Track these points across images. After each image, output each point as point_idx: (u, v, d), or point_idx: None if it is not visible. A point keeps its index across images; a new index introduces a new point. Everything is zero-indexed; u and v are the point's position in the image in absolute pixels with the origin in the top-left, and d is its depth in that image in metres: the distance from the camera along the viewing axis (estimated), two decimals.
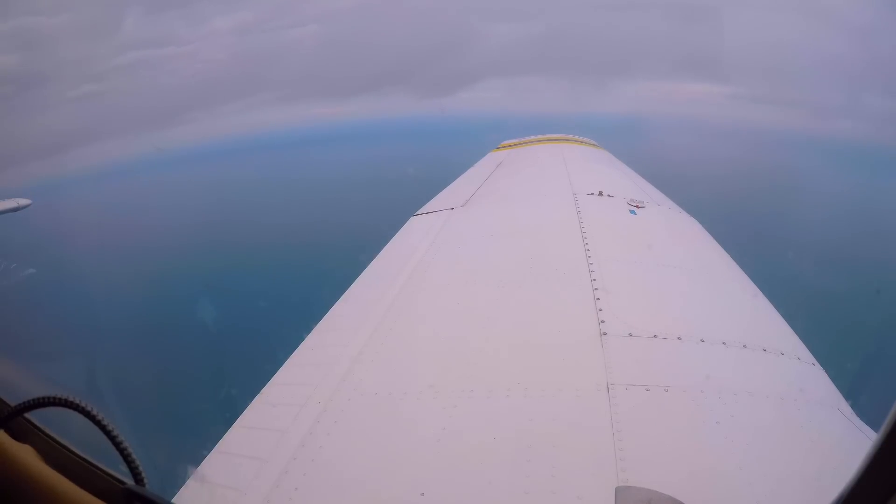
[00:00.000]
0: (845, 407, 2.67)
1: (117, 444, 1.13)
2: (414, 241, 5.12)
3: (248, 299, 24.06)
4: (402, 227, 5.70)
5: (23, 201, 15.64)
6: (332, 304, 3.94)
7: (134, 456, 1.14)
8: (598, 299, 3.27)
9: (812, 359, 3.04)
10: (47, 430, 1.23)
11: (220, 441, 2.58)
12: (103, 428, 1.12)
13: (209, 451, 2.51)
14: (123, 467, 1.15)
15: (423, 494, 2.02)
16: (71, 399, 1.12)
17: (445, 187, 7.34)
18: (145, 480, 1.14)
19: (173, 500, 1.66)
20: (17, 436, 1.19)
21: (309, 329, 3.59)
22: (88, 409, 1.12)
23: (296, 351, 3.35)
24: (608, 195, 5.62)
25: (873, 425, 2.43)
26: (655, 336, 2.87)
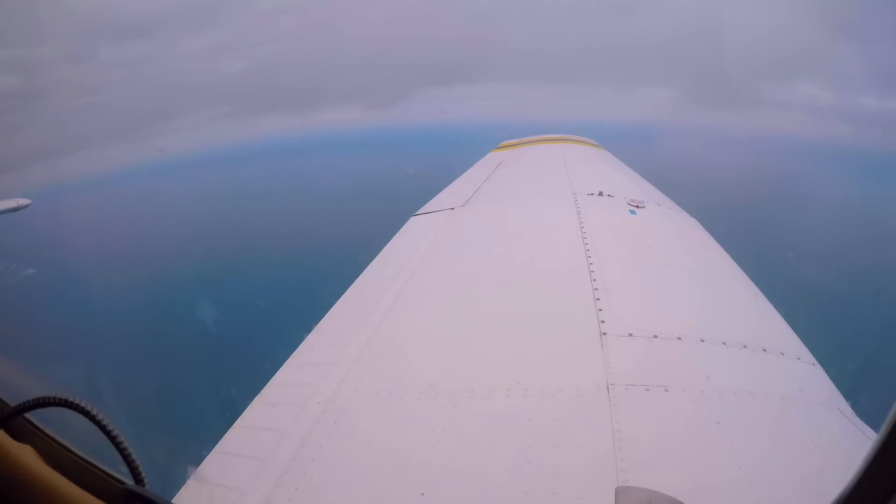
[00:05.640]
0: (845, 407, 2.67)
1: (117, 444, 1.12)
2: (414, 241, 5.12)
3: (248, 300, 24.08)
4: (402, 227, 5.70)
5: (23, 201, 15.64)
6: (332, 305, 3.94)
7: (134, 456, 1.13)
8: (598, 299, 3.27)
9: (812, 359, 3.04)
10: (47, 430, 1.23)
11: (220, 441, 2.58)
12: (103, 428, 1.11)
13: (209, 451, 2.51)
14: (123, 467, 1.15)
15: (423, 494, 2.02)
16: (71, 399, 1.12)
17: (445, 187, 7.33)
18: (145, 480, 1.14)
19: (173, 500, 1.66)
20: (17, 436, 1.19)
21: (309, 329, 3.59)
22: (88, 409, 1.11)
23: (296, 351, 3.35)
24: (608, 195, 5.61)
25: (873, 425, 2.43)
26: (655, 336, 2.87)
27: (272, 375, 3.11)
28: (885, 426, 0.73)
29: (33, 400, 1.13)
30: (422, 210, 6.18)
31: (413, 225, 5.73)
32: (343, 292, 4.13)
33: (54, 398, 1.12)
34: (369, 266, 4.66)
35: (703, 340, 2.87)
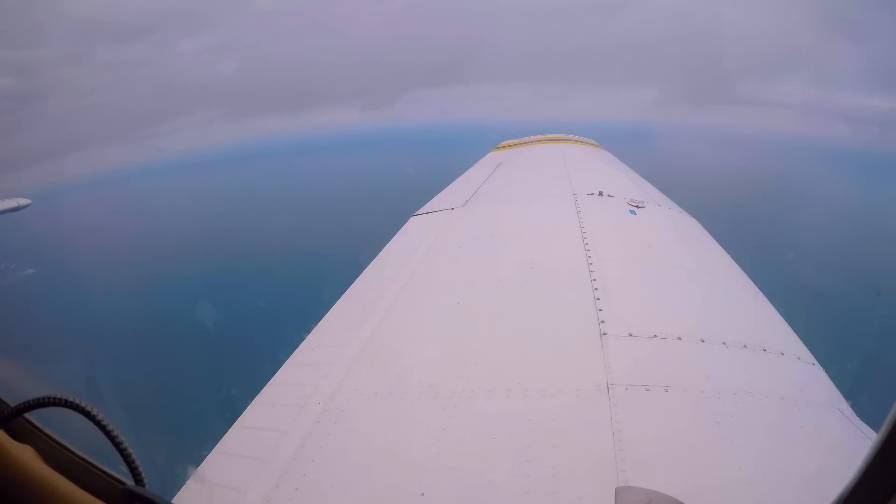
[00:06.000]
0: (845, 407, 2.67)
1: (117, 444, 1.12)
2: (414, 241, 5.12)
3: (248, 300, 24.07)
4: (402, 227, 5.70)
5: (23, 201, 15.65)
6: (332, 305, 3.94)
7: (134, 456, 1.13)
8: (598, 299, 3.27)
9: (812, 359, 3.04)
10: (47, 430, 1.23)
11: (220, 441, 2.58)
12: (103, 428, 1.12)
13: (209, 451, 2.51)
14: (123, 467, 1.15)
15: (423, 494, 2.02)
16: (71, 399, 1.12)
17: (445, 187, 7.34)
18: (145, 480, 1.14)
19: (173, 501, 1.66)
20: (17, 436, 1.19)
21: (309, 329, 3.59)
22: (88, 409, 1.12)
23: (296, 351, 3.35)
24: (608, 195, 5.62)
25: (873, 425, 2.43)
26: (655, 336, 2.87)
27: (272, 375, 3.11)
28: (885, 426, 0.72)
29: (33, 400, 1.13)
30: (422, 210, 6.18)
31: (413, 225, 5.73)
32: (343, 292, 4.13)
33: (54, 398, 1.12)
34: (369, 266, 4.67)
35: (703, 340, 2.86)
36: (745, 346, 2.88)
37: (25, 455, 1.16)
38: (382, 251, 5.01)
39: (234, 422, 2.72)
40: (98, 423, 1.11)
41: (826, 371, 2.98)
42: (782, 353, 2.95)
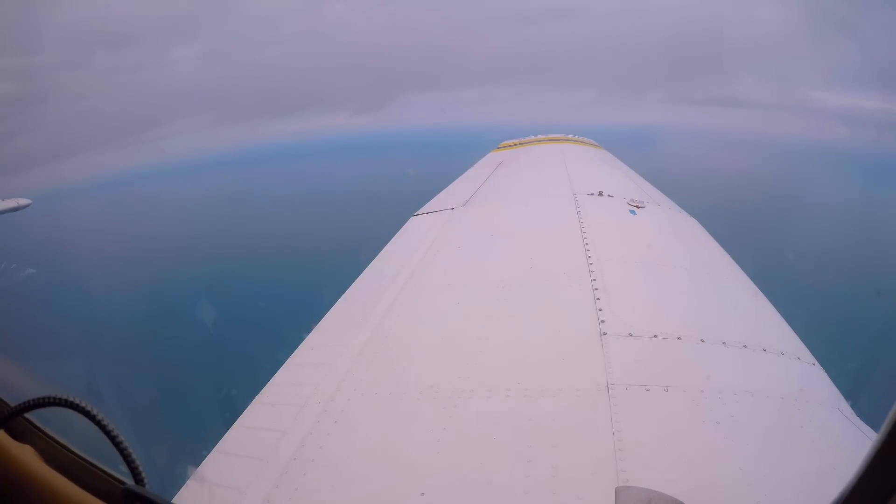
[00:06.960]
0: (845, 407, 2.67)
1: (117, 444, 1.13)
2: (414, 241, 5.12)
3: (249, 300, 24.09)
4: (402, 227, 5.70)
5: (23, 201, 15.62)
6: (332, 305, 3.94)
7: (134, 456, 1.14)
8: (598, 299, 3.27)
9: (812, 359, 3.04)
10: (47, 430, 1.23)
11: (220, 441, 2.58)
12: (103, 428, 1.12)
13: (209, 451, 2.51)
14: (123, 467, 1.15)
15: (423, 494, 2.02)
16: (71, 399, 1.12)
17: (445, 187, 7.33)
18: (145, 480, 1.14)
19: (173, 501, 1.66)
20: (17, 436, 1.19)
21: (309, 329, 3.59)
22: (88, 409, 1.12)
23: (296, 351, 3.35)
24: (608, 195, 5.62)
25: (873, 425, 2.43)
26: (655, 336, 2.86)
27: (272, 375, 3.11)
28: (885, 426, 0.72)
29: (33, 400, 1.13)
30: (422, 210, 6.18)
31: (413, 225, 5.73)
32: (343, 293, 4.13)
33: (54, 398, 1.12)
34: (369, 266, 4.67)
35: (703, 340, 2.86)
36: (745, 346, 2.88)
37: (25, 455, 1.16)
38: (382, 251, 5.01)
39: (234, 422, 2.72)
40: (98, 422, 1.11)
41: (826, 371, 2.98)
42: (782, 353, 2.95)
